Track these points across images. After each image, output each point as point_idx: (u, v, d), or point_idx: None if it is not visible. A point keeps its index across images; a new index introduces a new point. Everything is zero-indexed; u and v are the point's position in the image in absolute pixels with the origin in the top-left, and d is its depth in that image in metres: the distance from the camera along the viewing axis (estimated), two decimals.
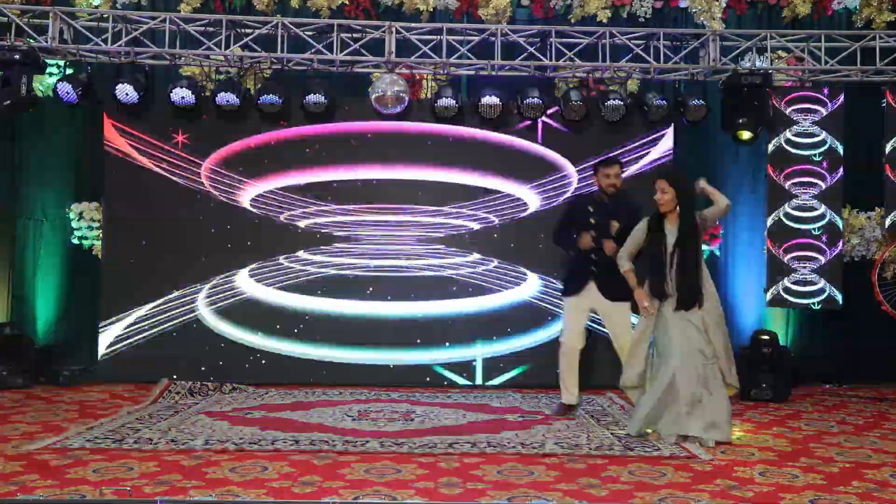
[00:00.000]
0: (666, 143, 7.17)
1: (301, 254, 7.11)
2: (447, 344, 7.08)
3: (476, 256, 7.15)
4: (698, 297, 4.88)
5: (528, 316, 7.13)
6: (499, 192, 7.16)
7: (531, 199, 7.16)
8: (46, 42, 6.48)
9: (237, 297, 7.07)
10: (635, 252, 5.17)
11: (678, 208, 4.96)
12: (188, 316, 7.04)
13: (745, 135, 6.84)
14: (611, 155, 5.94)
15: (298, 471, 4.12)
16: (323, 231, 7.13)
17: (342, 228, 7.14)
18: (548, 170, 7.16)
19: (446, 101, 6.77)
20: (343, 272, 7.10)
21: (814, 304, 7.09)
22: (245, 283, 7.07)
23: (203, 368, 6.97)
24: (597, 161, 5.80)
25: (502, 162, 7.13)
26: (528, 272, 7.15)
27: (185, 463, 4.26)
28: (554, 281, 6.97)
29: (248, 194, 7.09)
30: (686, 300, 4.88)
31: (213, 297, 7.06)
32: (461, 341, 7.11)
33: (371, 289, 7.09)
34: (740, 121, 6.75)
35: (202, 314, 7.05)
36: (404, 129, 7.12)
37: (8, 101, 6.29)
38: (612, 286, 5.43)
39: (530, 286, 7.15)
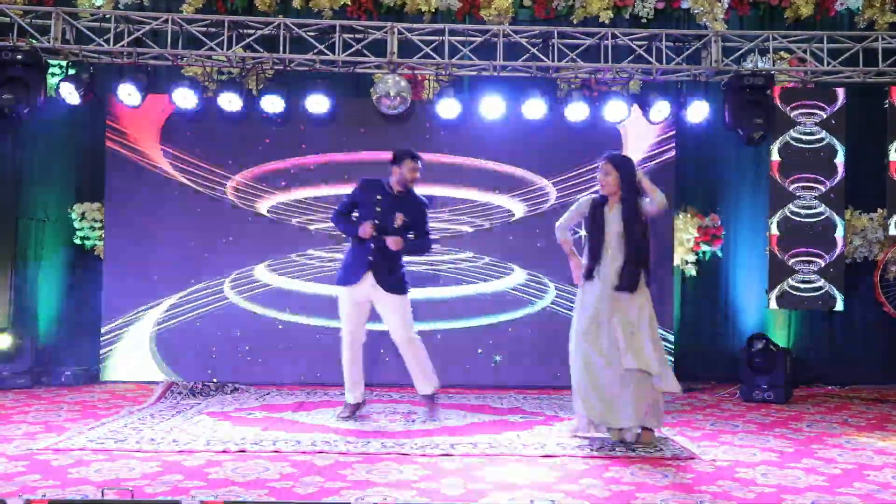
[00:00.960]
0: (668, 145, 7.17)
1: (311, 252, 7.13)
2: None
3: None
4: (636, 280, 4.86)
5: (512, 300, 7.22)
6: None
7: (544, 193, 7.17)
8: (49, 42, 6.49)
9: (241, 296, 7.07)
10: (572, 221, 5.17)
11: (620, 192, 4.94)
12: (190, 315, 7.04)
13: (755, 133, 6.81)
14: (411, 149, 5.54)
15: (300, 471, 4.13)
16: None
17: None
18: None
19: (448, 102, 6.77)
20: None
21: (816, 305, 7.08)
22: (254, 279, 7.08)
23: (208, 371, 6.98)
24: (403, 151, 5.46)
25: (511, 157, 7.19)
26: (515, 267, 7.19)
27: (186, 463, 4.26)
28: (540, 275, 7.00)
29: (262, 202, 7.12)
30: (624, 283, 4.84)
31: (215, 297, 7.07)
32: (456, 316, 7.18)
33: None
34: (757, 121, 6.70)
35: (204, 314, 7.05)
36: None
37: (27, 109, 6.35)
38: (391, 278, 5.34)
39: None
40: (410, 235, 5.44)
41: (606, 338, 4.84)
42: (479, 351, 7.14)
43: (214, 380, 6.85)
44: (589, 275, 4.94)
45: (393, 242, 5.26)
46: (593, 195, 5.14)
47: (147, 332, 7.06)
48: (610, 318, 4.84)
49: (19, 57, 6.31)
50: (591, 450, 4.68)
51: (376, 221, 5.29)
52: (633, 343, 4.79)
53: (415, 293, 6.99)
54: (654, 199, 4.90)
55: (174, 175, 7.10)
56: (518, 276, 7.20)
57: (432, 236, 5.70)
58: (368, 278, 5.33)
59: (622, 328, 4.81)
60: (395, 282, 5.38)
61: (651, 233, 6.54)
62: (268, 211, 7.14)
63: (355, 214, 5.43)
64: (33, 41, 6.47)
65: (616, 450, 4.69)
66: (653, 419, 4.84)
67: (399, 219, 5.33)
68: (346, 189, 7.03)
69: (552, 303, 7.17)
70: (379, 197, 5.38)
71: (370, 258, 5.32)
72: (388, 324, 5.45)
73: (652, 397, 4.82)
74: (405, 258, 5.50)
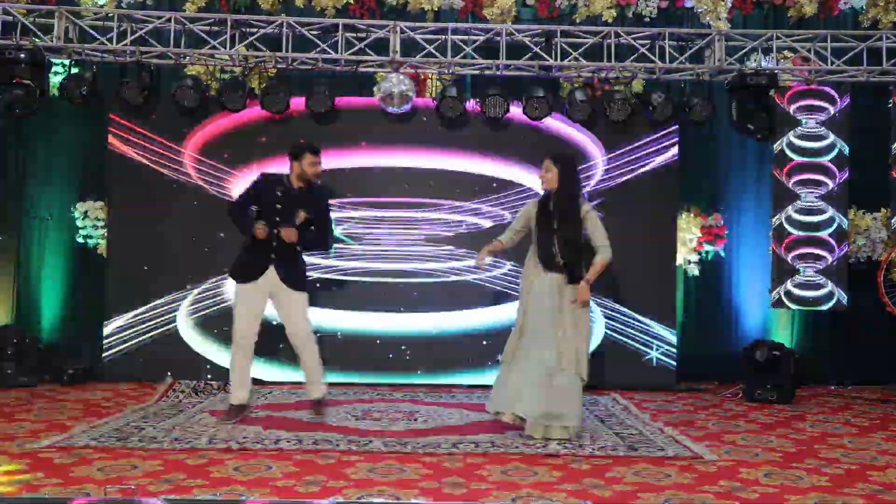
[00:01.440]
0: (671, 144, 7.16)
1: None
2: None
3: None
4: (578, 273, 5.00)
5: None
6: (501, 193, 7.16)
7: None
8: (52, 41, 6.50)
9: None
10: (521, 231, 5.25)
11: (559, 187, 5.06)
12: (193, 313, 7.04)
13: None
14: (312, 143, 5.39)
15: (302, 470, 4.13)
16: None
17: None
18: None
19: (451, 101, 6.77)
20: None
21: (819, 305, 7.07)
22: None
23: (208, 367, 6.98)
24: (303, 144, 5.31)
25: (507, 161, 7.13)
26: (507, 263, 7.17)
27: (189, 462, 4.27)
28: None
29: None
30: (571, 275, 4.99)
31: (218, 295, 7.07)
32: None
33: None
34: (762, 117, 6.68)
35: (207, 312, 7.05)
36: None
37: (30, 107, 6.36)
38: (294, 273, 5.25)
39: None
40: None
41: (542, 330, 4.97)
42: (485, 342, 7.10)
43: (210, 376, 6.84)
44: (547, 266, 5.02)
45: (286, 234, 5.09)
46: (537, 197, 5.28)
47: (151, 331, 7.05)
48: (556, 309, 4.98)
49: (22, 56, 6.30)
50: (593, 449, 4.68)
51: (263, 224, 5.10)
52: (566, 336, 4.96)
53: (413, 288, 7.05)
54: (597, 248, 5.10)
55: (176, 173, 7.10)
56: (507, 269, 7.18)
57: (338, 232, 5.57)
58: (270, 274, 5.18)
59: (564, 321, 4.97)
60: (298, 277, 5.29)
61: (650, 232, 6.61)
62: None
63: (255, 208, 5.28)
64: (36, 40, 6.48)
65: (618, 449, 4.69)
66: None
67: (301, 216, 5.19)
68: (351, 186, 7.12)
69: None
70: (279, 193, 5.22)
71: (272, 254, 5.17)
72: (287, 320, 5.28)
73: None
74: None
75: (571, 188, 5.09)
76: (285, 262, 5.20)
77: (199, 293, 7.07)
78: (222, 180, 7.10)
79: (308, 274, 5.55)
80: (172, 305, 7.06)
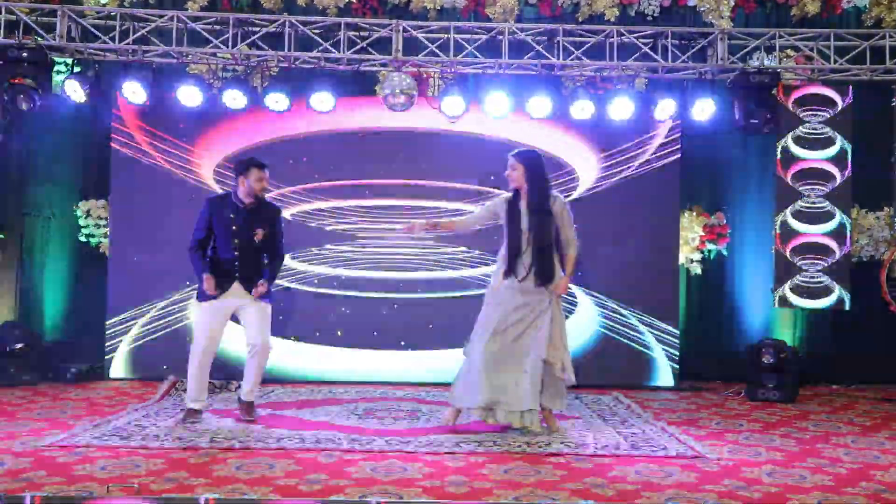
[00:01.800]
0: (673, 143, 7.15)
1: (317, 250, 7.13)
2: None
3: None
4: (553, 274, 5.01)
5: None
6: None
7: None
8: (54, 40, 6.50)
9: None
10: (479, 222, 5.31)
11: (527, 186, 5.06)
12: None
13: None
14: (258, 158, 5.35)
15: (304, 469, 4.13)
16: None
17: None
18: (553, 168, 7.14)
19: (453, 100, 6.76)
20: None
21: (822, 304, 7.06)
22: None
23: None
24: (248, 160, 5.28)
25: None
26: None
27: (191, 460, 4.27)
28: None
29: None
30: (542, 277, 4.98)
31: None
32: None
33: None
34: (766, 116, 6.67)
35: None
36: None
37: (33, 106, 6.38)
38: (255, 284, 5.21)
39: None
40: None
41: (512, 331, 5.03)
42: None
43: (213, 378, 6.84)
44: (509, 271, 5.02)
45: (257, 293, 5.16)
46: (507, 194, 5.23)
47: (152, 330, 7.06)
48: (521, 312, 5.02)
49: (25, 54, 6.31)
50: (596, 448, 4.67)
51: (235, 240, 5.15)
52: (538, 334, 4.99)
53: (415, 286, 7.06)
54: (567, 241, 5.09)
55: (179, 172, 7.10)
56: None
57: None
58: (235, 288, 5.19)
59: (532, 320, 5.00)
60: (262, 291, 5.24)
61: (653, 231, 6.61)
62: None
63: (206, 261, 5.25)
64: (39, 39, 6.48)
65: (620, 448, 4.69)
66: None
67: (259, 234, 5.19)
68: (350, 183, 7.11)
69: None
70: (232, 215, 5.19)
71: (236, 273, 5.18)
72: (250, 328, 5.26)
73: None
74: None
75: (540, 186, 5.08)
76: (249, 278, 5.21)
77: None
78: (225, 179, 7.10)
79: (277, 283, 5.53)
80: (174, 304, 7.06)
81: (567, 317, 7.03)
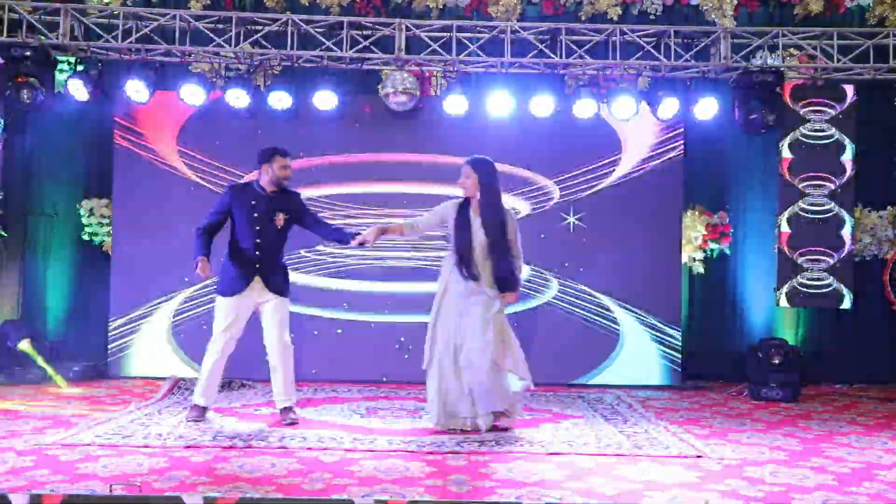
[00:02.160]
0: (676, 142, 7.15)
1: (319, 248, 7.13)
2: None
3: None
4: (515, 282, 5.02)
5: None
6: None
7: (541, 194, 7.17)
8: (58, 39, 6.50)
9: None
10: (427, 227, 5.23)
11: (479, 194, 5.03)
12: (196, 312, 7.05)
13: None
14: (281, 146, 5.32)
15: (307, 467, 4.13)
16: None
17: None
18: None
19: (456, 99, 6.77)
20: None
21: (824, 303, 7.04)
22: None
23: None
24: (272, 148, 5.24)
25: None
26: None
27: (193, 459, 4.27)
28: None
29: None
30: (502, 284, 4.98)
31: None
32: None
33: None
34: (768, 117, 6.65)
35: (211, 310, 7.06)
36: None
37: (36, 105, 6.39)
38: (277, 279, 5.20)
39: None
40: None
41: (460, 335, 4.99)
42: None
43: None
44: (461, 274, 4.97)
45: (358, 242, 5.09)
46: (457, 199, 5.19)
47: (154, 329, 7.07)
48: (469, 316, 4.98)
49: (28, 53, 6.33)
50: (598, 447, 4.67)
51: (257, 227, 5.12)
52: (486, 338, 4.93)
53: (418, 287, 7.06)
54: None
55: (182, 171, 7.11)
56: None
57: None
58: (256, 283, 5.15)
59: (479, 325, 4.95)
60: (281, 283, 5.24)
61: (656, 230, 6.61)
62: None
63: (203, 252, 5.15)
64: (42, 37, 6.49)
65: (623, 447, 4.68)
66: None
67: (281, 218, 5.17)
68: (353, 188, 7.11)
69: (555, 298, 7.14)
70: (254, 201, 5.16)
71: (257, 264, 5.14)
72: (269, 326, 5.22)
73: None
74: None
75: (494, 194, 5.05)
76: (269, 271, 5.18)
77: (206, 289, 7.07)
78: (227, 178, 7.10)
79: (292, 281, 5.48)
80: (177, 303, 7.07)
81: (570, 315, 7.09)
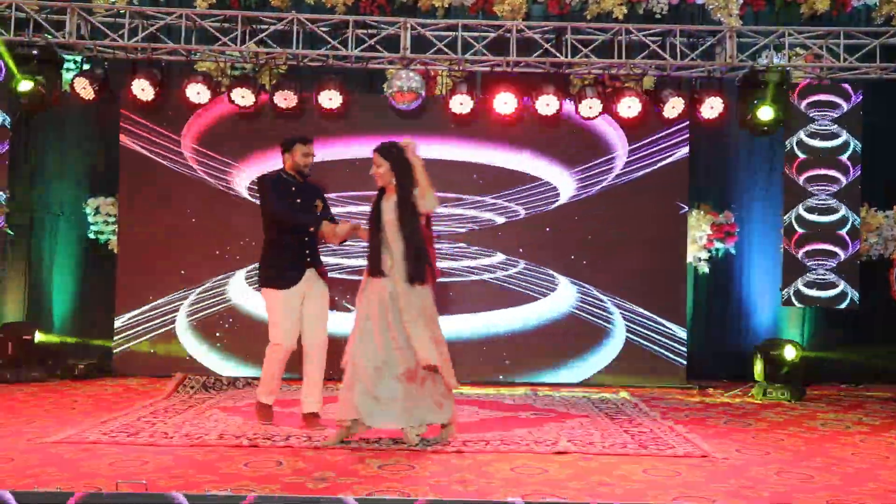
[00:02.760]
0: (681, 141, 7.14)
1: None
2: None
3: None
4: (422, 272, 4.57)
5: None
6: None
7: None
8: (64, 38, 6.52)
9: (255, 289, 7.08)
10: None
11: (394, 181, 4.63)
12: (204, 309, 7.07)
13: (763, 115, 6.65)
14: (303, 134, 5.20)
15: (312, 466, 4.13)
16: None
17: None
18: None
19: (461, 98, 6.77)
20: None
21: (830, 303, 7.03)
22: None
23: (220, 365, 7.00)
24: (292, 137, 5.12)
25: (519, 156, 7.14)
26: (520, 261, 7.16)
27: (199, 457, 4.28)
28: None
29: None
30: (414, 274, 4.55)
31: (240, 288, 7.09)
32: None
33: None
34: (755, 101, 6.60)
35: (218, 308, 7.08)
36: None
37: (42, 103, 6.41)
38: (323, 268, 5.09)
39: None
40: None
41: (383, 334, 4.58)
42: (483, 348, 7.12)
43: (221, 375, 6.87)
44: (373, 271, 4.64)
45: (333, 233, 4.92)
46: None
47: (162, 326, 7.09)
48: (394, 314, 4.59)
49: (35, 52, 6.36)
50: (603, 447, 4.67)
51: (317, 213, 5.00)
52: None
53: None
54: (424, 197, 4.61)
55: (187, 169, 7.13)
56: (522, 268, 7.18)
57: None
58: (310, 273, 5.00)
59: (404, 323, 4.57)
60: (326, 271, 5.16)
61: (661, 229, 6.58)
62: None
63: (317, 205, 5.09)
64: (49, 36, 6.51)
65: (628, 447, 4.68)
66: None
67: (319, 205, 5.09)
68: (359, 188, 7.11)
69: (558, 297, 7.15)
70: (293, 188, 5.05)
71: (307, 251, 5.00)
72: (314, 317, 5.00)
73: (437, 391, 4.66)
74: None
75: (408, 181, 4.62)
76: (317, 258, 5.07)
77: (213, 287, 7.10)
78: (232, 176, 7.12)
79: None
80: (183, 301, 7.09)
81: (574, 312, 7.09)
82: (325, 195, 5.26)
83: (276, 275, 4.98)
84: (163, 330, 7.09)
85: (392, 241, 4.62)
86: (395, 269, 4.60)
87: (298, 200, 5.04)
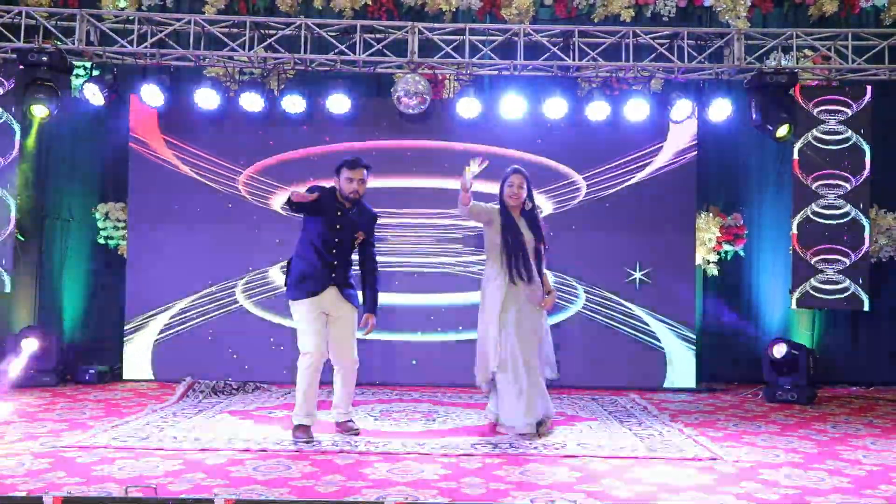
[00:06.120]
0: (690, 143, 7.13)
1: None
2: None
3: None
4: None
5: None
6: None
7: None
8: (73, 44, 6.56)
9: (267, 293, 7.10)
10: (476, 214, 5.07)
11: (527, 200, 5.16)
12: (214, 313, 7.09)
13: (782, 130, 6.70)
14: (356, 157, 5.02)
15: (321, 470, 4.14)
16: None
17: None
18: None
19: (468, 102, 6.77)
20: None
21: (840, 305, 7.00)
22: (277, 278, 7.03)
23: (229, 369, 7.01)
24: (343, 161, 4.97)
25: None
26: None
27: (208, 461, 4.29)
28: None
29: (277, 197, 7.12)
30: (541, 288, 5.13)
31: (248, 293, 7.12)
32: None
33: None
34: (783, 115, 6.62)
35: (227, 311, 7.10)
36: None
37: (52, 109, 6.47)
38: (350, 291, 5.01)
39: None
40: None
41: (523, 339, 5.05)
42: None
43: (231, 379, 6.88)
44: (513, 278, 5.01)
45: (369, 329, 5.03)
46: (496, 204, 5.13)
47: (171, 331, 7.11)
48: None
49: (44, 59, 6.40)
50: (613, 450, 4.66)
51: (336, 239, 4.92)
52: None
53: (437, 298, 7.09)
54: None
55: (196, 174, 7.15)
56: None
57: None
58: (332, 290, 4.93)
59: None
60: (354, 294, 5.06)
61: (670, 232, 6.58)
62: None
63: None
64: (58, 43, 6.55)
65: (637, 450, 4.67)
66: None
67: (361, 236, 5.03)
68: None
69: (565, 300, 7.14)
70: (339, 212, 4.95)
71: (333, 273, 4.93)
72: (341, 339, 5.00)
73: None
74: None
75: (533, 207, 5.21)
76: (344, 281, 5.00)
77: (221, 292, 7.12)
78: (239, 181, 7.14)
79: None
80: (192, 306, 7.11)
81: (582, 312, 7.08)
82: (374, 230, 5.15)
83: (296, 284, 4.95)
84: (172, 334, 7.11)
85: (531, 251, 5.13)
86: (534, 278, 5.10)
87: (338, 226, 4.94)
